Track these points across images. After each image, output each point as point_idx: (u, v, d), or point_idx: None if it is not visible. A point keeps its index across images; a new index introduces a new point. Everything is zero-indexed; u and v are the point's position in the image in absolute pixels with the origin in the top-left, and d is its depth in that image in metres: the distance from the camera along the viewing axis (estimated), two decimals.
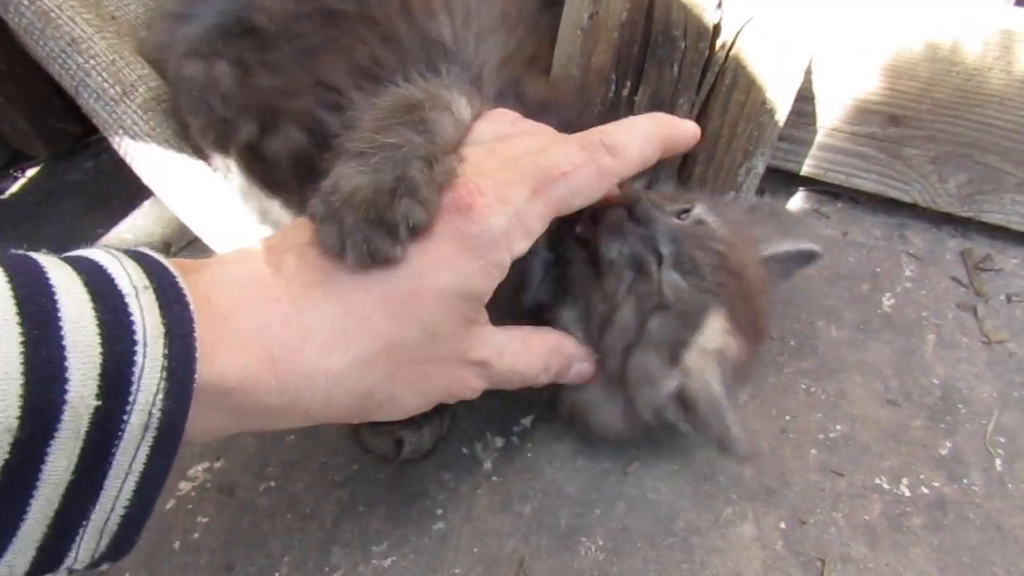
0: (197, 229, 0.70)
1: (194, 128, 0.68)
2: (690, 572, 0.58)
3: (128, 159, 0.71)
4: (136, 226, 0.88)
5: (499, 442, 0.67)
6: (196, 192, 0.70)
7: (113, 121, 0.69)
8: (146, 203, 0.90)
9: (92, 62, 0.69)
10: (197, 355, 0.36)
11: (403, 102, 0.50)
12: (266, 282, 0.42)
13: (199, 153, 0.70)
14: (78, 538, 0.35)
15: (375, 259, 0.42)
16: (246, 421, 0.42)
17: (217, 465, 0.65)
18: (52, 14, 0.69)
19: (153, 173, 0.70)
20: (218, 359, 0.38)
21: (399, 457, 0.63)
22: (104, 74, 0.69)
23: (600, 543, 0.60)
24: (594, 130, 0.52)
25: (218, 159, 0.69)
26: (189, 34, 0.76)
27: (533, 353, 0.54)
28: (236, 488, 0.64)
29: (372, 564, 0.59)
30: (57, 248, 0.81)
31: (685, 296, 0.57)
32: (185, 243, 0.84)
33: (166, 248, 0.84)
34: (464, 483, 0.64)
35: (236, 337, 0.39)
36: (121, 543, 0.37)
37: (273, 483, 0.64)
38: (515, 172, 0.47)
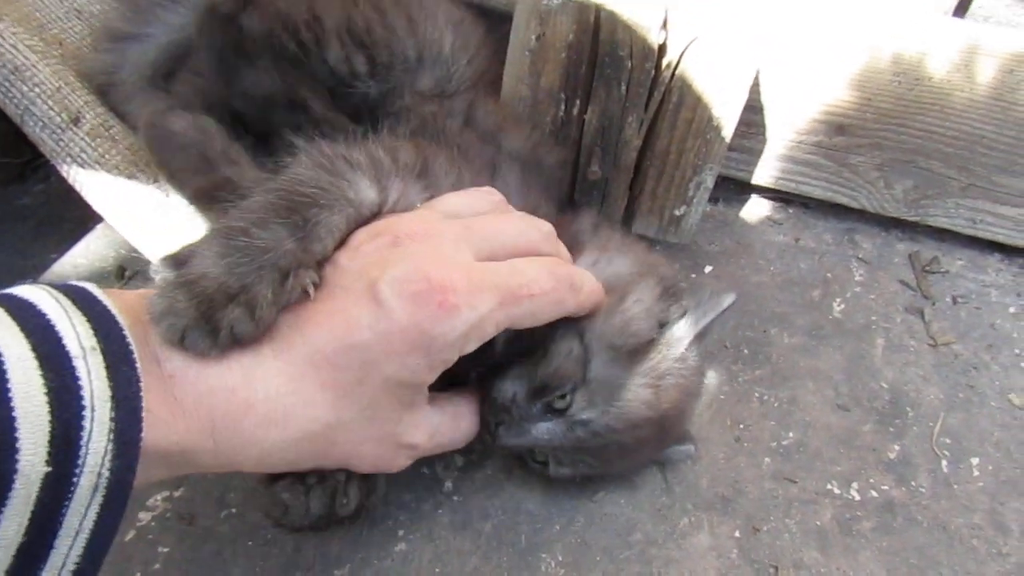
0: (150, 255, 0.70)
1: (189, 188, 0.69)
2: None
3: (77, 187, 0.70)
4: (90, 250, 0.87)
5: (459, 461, 0.67)
6: (148, 218, 0.69)
7: (60, 149, 0.69)
8: (99, 226, 0.88)
9: (36, 90, 0.68)
10: (143, 418, 0.37)
11: (292, 195, 0.47)
12: None
13: (149, 179, 0.70)
14: None
15: (186, 350, 0.42)
16: (181, 472, 0.46)
17: (177, 494, 0.65)
18: None
19: (104, 200, 0.69)
20: (162, 423, 0.39)
21: (284, 520, 0.55)
22: (50, 102, 0.69)
23: (560, 558, 0.61)
24: (566, 264, 0.56)
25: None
26: (141, 57, 0.75)
27: (461, 429, 0.56)
28: (197, 516, 0.63)
29: None
30: (8, 275, 0.78)
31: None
32: (141, 266, 0.83)
33: (120, 272, 0.83)
34: (425, 503, 0.64)
35: (181, 401, 0.41)
36: None
37: (234, 510, 0.64)
38: (489, 277, 0.48)
